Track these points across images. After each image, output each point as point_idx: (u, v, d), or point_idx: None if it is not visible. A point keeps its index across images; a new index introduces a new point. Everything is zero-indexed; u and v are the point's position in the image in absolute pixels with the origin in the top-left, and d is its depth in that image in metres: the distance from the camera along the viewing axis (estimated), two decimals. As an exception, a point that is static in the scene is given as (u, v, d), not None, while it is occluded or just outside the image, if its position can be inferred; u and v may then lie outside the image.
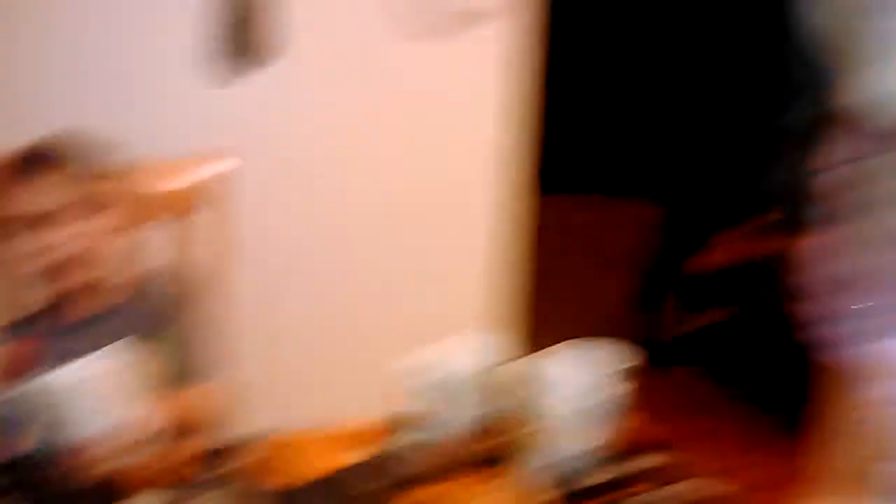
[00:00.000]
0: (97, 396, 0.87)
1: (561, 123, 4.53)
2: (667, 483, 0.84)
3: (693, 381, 3.61)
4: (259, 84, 1.70)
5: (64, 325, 1.09)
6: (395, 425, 0.98)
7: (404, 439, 0.93)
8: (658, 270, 4.02)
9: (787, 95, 2.31)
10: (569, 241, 3.58)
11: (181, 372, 1.10)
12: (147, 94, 1.66)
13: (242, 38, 1.67)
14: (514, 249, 2.03)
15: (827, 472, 0.86)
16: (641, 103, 4.52)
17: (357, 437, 0.96)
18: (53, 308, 1.10)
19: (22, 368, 0.97)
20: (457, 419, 0.88)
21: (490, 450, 0.90)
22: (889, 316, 0.63)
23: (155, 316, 1.13)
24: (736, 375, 3.72)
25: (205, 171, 1.27)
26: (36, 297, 1.10)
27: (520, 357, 0.92)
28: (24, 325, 1.10)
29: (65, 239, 1.03)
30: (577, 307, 3.61)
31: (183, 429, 1.01)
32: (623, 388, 0.86)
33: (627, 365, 0.87)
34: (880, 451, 0.74)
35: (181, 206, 1.26)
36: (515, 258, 2.04)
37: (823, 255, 0.72)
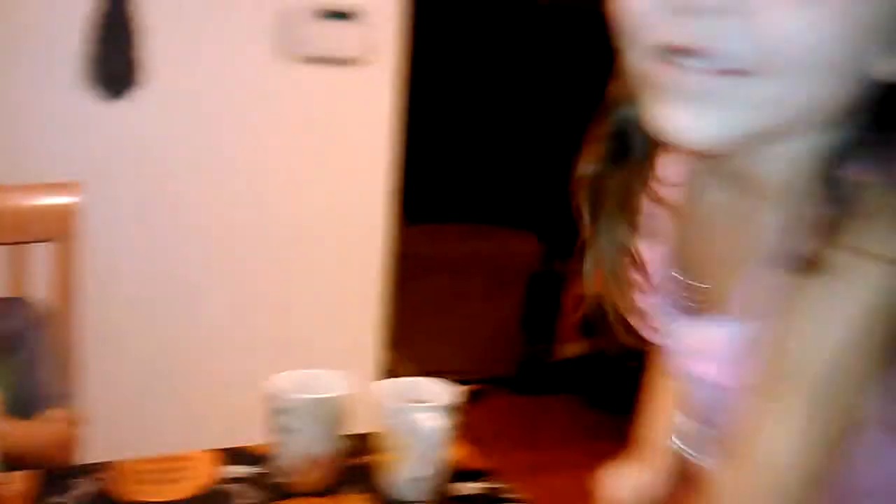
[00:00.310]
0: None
1: (451, 157, 4.62)
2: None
3: (575, 407, 3.71)
4: (123, 112, 1.67)
5: None
6: (237, 453, 0.98)
7: (245, 469, 0.94)
8: (540, 298, 4.13)
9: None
10: (453, 269, 3.62)
11: (24, 400, 1.08)
12: (24, 119, 1.63)
13: (113, 64, 1.65)
14: (390, 275, 2.06)
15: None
16: (518, 141, 4.65)
17: (196, 467, 0.96)
18: None
19: None
20: (314, 442, 0.89)
21: (340, 473, 0.92)
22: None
23: None
24: (618, 401, 3.86)
25: (55, 198, 1.25)
26: None
27: (387, 380, 0.94)
28: None
29: None
30: (459, 333, 3.66)
31: (24, 457, 0.99)
32: (452, 420, 0.90)
33: (456, 399, 0.90)
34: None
35: (29, 230, 1.24)
36: (391, 284, 2.06)
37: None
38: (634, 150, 0.64)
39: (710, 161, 0.61)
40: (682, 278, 0.66)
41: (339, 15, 1.77)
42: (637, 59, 0.54)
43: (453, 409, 0.90)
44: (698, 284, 0.65)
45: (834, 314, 0.52)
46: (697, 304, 0.65)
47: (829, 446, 0.53)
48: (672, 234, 0.68)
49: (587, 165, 0.65)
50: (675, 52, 0.51)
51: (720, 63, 0.50)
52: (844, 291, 0.52)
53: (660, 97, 0.53)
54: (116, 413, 1.68)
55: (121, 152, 1.71)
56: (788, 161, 0.56)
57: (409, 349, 3.39)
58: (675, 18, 0.50)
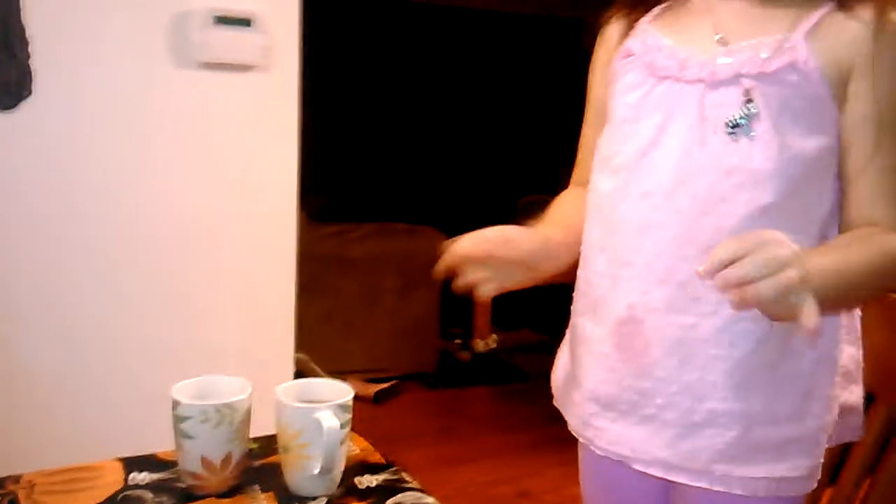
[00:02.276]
0: None
1: (356, 157, 4.64)
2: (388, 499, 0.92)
3: (491, 399, 3.78)
4: (16, 123, 1.64)
5: None
6: (143, 461, 1.00)
7: (151, 475, 0.96)
8: (455, 293, 4.19)
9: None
10: (366, 268, 3.64)
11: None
12: None
13: (4, 74, 1.62)
14: (300, 277, 2.07)
15: None
16: (421, 139, 4.70)
17: (103, 476, 0.97)
18: None
19: None
20: (215, 446, 0.91)
21: (244, 475, 0.94)
22: None
23: None
24: (532, 392, 3.96)
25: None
26: None
27: (288, 382, 0.97)
28: None
29: None
30: (376, 332, 3.68)
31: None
32: (351, 417, 0.94)
33: (351, 397, 0.95)
34: None
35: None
36: (300, 285, 2.08)
37: None
38: None
39: None
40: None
41: (237, 21, 1.78)
42: None
43: (352, 408, 0.94)
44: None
45: None
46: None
47: None
48: None
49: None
50: None
51: None
52: None
53: None
54: (21, 425, 1.65)
55: (16, 163, 1.68)
56: None
57: (324, 350, 3.40)
58: None
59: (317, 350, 3.24)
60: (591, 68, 1.07)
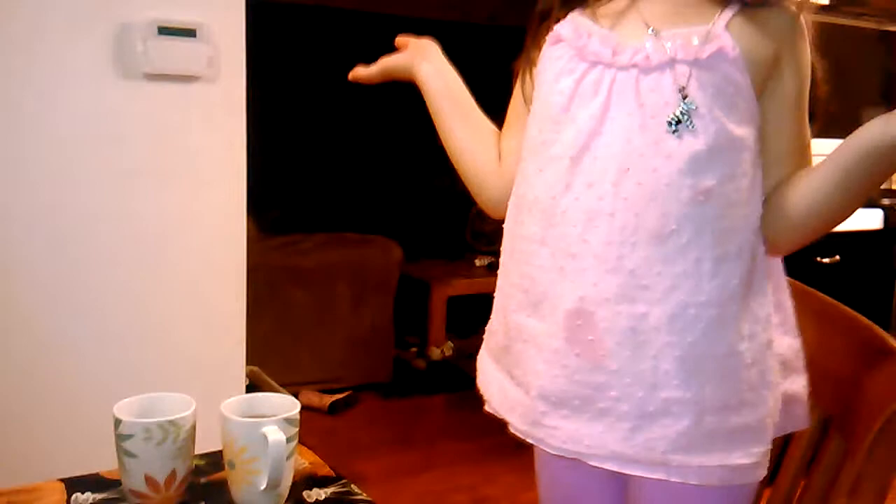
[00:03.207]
0: None
1: (304, 168, 4.61)
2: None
3: (447, 408, 3.79)
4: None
5: None
6: (86, 481, 0.98)
7: (95, 495, 0.94)
8: (409, 302, 4.19)
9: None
10: (318, 279, 3.62)
11: None
12: None
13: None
14: (250, 289, 2.05)
15: None
16: (367, 148, 4.71)
17: (44, 497, 0.95)
18: None
19: None
20: (158, 464, 0.90)
21: (189, 492, 0.93)
22: None
23: None
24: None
25: None
26: None
27: (235, 397, 0.96)
28: None
29: None
30: (330, 343, 3.66)
31: None
32: (294, 431, 0.93)
33: (298, 411, 0.94)
34: None
35: None
36: (248, 296, 2.06)
37: None
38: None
39: None
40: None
41: (181, 31, 1.76)
42: None
43: (299, 421, 0.93)
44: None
45: None
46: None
47: None
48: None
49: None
50: None
51: None
52: None
53: None
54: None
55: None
56: None
57: (278, 362, 3.37)
58: None
59: (270, 362, 3.21)
60: (525, 47, 1.08)
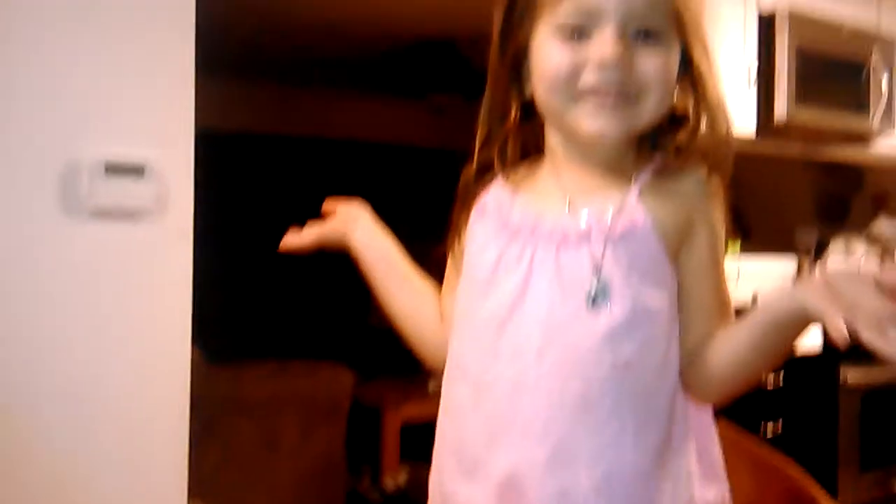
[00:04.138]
0: None
1: (250, 295, 4.60)
2: None
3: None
4: None
5: None
6: None
7: None
8: (361, 429, 4.11)
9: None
10: (265, 408, 3.55)
11: None
12: None
13: None
14: (197, 419, 2.00)
15: None
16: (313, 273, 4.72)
17: None
18: None
19: None
20: None
21: None
22: None
23: None
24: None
25: None
26: None
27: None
28: None
29: None
30: (279, 474, 3.56)
31: None
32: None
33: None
34: None
35: None
36: (191, 429, 2.01)
37: None
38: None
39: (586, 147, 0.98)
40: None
41: (129, 169, 1.78)
42: (561, 103, 0.94)
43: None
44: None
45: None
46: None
47: None
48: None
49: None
50: (594, 92, 0.91)
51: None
52: None
53: (585, 116, 0.93)
54: None
55: None
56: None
57: (224, 496, 3.25)
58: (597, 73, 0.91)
59: (216, 497, 3.09)
60: (454, 217, 1.10)
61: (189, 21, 1.90)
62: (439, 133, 5.23)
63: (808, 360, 2.62)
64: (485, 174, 1.05)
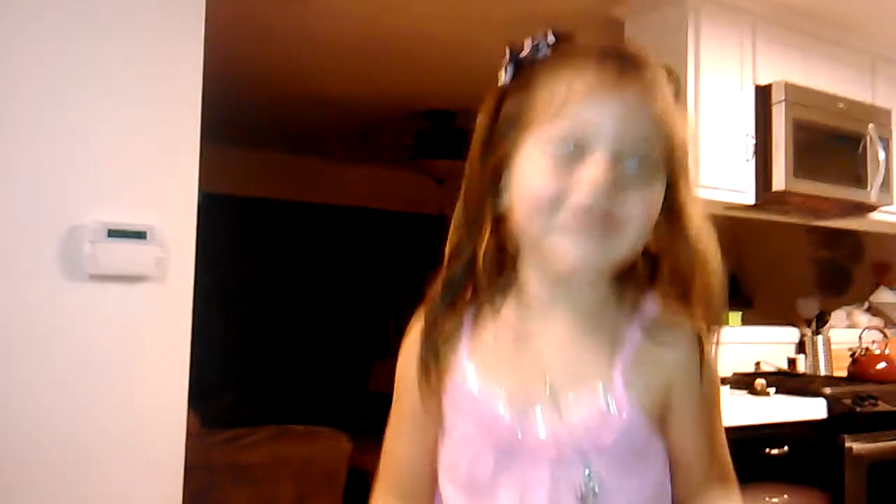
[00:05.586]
0: None
1: (249, 361, 4.57)
2: None
3: None
4: None
5: None
6: None
7: None
8: (359, 490, 4.04)
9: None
10: (261, 475, 3.49)
11: None
12: None
13: None
14: (192, 485, 1.97)
15: None
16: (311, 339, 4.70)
17: None
18: None
19: None
20: None
21: None
22: None
23: None
24: None
25: None
26: None
27: None
28: None
29: None
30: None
31: None
32: None
33: None
34: None
35: None
36: (185, 495, 1.98)
37: None
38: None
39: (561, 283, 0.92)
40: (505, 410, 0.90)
41: (132, 234, 1.80)
42: (542, 225, 0.87)
43: None
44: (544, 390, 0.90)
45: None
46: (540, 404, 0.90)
47: None
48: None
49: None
50: (578, 216, 0.86)
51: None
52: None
53: (565, 240, 0.87)
54: None
55: None
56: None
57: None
58: (579, 204, 0.86)
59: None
60: (401, 369, 0.99)
61: (196, 90, 1.94)
62: (442, 200, 5.27)
63: (812, 424, 2.59)
64: (454, 297, 0.95)
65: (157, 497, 1.89)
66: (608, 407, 0.89)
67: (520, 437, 0.90)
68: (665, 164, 0.89)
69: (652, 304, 0.92)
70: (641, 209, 0.87)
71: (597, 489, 0.89)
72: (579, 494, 0.89)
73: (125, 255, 1.79)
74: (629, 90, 0.87)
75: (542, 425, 0.89)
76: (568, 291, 0.92)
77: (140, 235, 1.80)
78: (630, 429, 0.89)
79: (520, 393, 0.90)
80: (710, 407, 0.94)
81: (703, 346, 0.92)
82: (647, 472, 0.92)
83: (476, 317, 0.95)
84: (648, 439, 0.91)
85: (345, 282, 4.96)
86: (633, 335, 0.91)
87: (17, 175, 1.74)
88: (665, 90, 0.90)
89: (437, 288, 0.96)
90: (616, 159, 0.86)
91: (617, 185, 0.85)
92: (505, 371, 0.92)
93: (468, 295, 0.95)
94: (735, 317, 3.06)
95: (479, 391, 0.92)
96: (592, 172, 0.85)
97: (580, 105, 0.86)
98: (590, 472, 0.89)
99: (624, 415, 0.89)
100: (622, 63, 0.88)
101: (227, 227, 4.29)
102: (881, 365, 3.04)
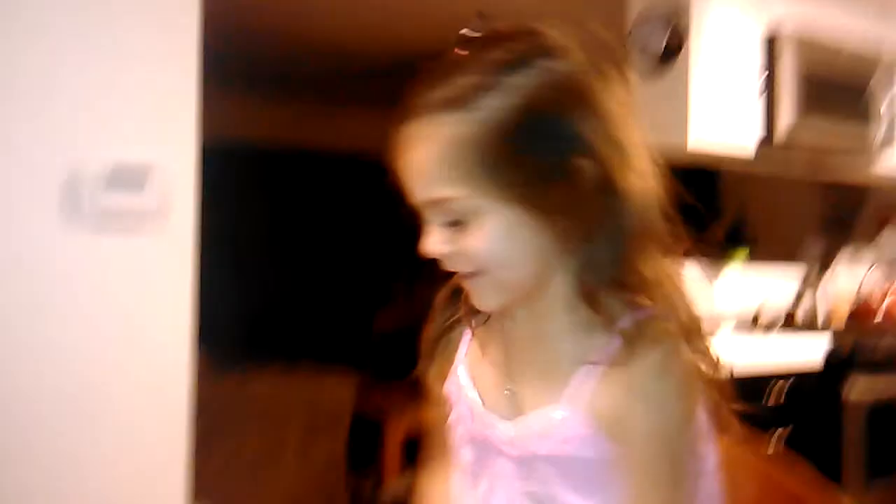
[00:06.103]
0: None
1: (254, 299, 4.60)
2: None
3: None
4: None
5: None
6: None
7: None
8: (364, 435, 4.10)
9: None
10: (268, 414, 3.56)
11: None
12: None
13: None
14: (197, 427, 2.02)
15: None
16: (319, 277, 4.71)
17: None
18: None
19: None
20: None
21: None
22: None
23: None
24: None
25: None
26: None
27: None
28: None
29: None
30: (283, 480, 3.56)
31: None
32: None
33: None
34: None
35: None
36: (195, 432, 2.02)
37: None
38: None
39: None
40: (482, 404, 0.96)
41: (130, 174, 1.80)
42: None
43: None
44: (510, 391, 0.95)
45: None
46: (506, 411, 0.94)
47: None
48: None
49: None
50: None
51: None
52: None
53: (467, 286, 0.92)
54: None
55: None
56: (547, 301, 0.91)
57: (229, 497, 3.26)
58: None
59: (222, 498, 3.11)
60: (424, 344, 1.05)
61: (193, 29, 1.92)
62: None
63: (811, 375, 2.62)
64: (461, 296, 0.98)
65: (166, 435, 1.93)
66: (563, 419, 0.89)
67: (487, 434, 0.95)
68: (497, 189, 0.86)
69: (627, 319, 0.87)
70: (483, 251, 0.87)
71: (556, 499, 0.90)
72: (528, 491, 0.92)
73: (126, 197, 1.80)
74: (417, 148, 0.88)
75: (505, 429, 0.93)
76: (523, 315, 0.94)
77: (140, 178, 1.81)
78: (586, 442, 0.88)
79: (490, 396, 0.96)
80: (652, 450, 0.86)
81: (659, 382, 0.85)
82: (611, 498, 0.89)
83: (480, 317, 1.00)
84: (604, 461, 0.88)
85: (351, 228, 4.96)
86: (604, 351, 0.88)
87: (14, 119, 1.74)
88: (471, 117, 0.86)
89: (444, 294, 1.02)
90: (439, 221, 0.89)
91: (455, 240, 0.88)
92: (483, 372, 0.98)
93: None
94: (742, 253, 3.07)
95: (464, 386, 0.99)
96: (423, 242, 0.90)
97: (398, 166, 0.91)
98: (545, 480, 0.91)
99: (576, 429, 0.88)
100: (425, 112, 0.88)
101: (234, 171, 4.29)
102: (887, 300, 3.08)
